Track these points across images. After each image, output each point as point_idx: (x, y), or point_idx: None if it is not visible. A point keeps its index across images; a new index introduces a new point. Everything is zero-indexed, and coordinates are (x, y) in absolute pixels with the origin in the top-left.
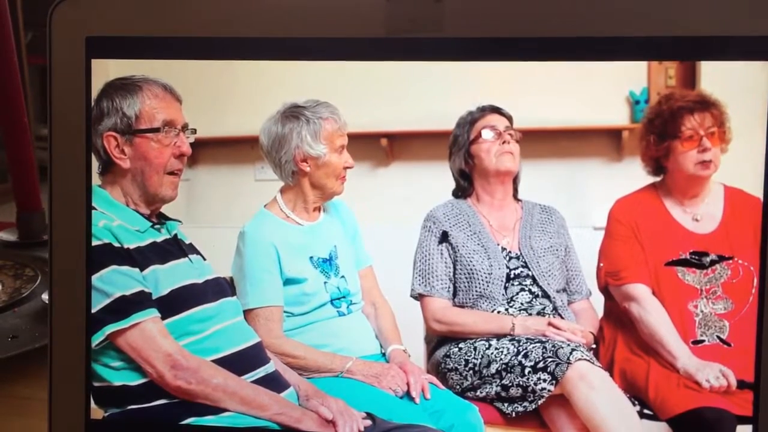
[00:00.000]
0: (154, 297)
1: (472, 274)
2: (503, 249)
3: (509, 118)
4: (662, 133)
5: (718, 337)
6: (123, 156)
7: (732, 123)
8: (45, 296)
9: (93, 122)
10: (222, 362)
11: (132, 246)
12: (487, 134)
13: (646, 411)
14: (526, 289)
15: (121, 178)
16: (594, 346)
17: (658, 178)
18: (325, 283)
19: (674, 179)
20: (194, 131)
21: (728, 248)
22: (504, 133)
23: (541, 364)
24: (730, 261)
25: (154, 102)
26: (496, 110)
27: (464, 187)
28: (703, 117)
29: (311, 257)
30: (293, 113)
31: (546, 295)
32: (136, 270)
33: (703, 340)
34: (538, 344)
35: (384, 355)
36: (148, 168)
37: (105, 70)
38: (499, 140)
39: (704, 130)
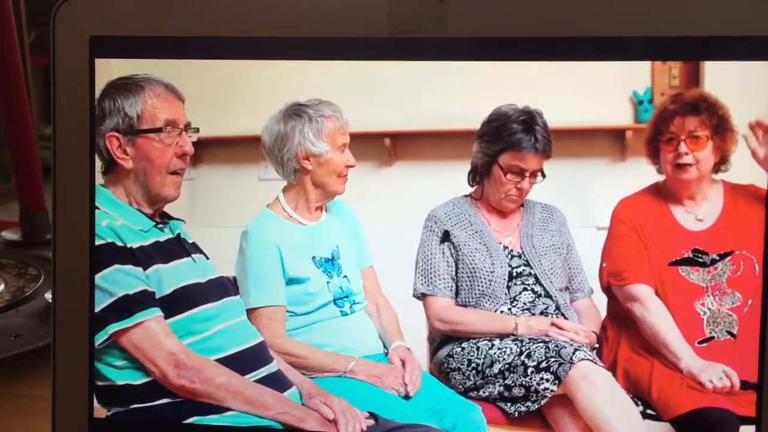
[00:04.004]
0: (157, 296)
1: (475, 273)
2: (505, 248)
3: (547, 157)
4: (651, 134)
5: (728, 331)
6: (125, 156)
7: (734, 126)
8: (48, 295)
9: (95, 122)
10: (225, 362)
11: (135, 245)
12: (511, 177)
13: (649, 411)
14: (529, 288)
15: (124, 178)
16: (597, 345)
17: (662, 178)
18: (327, 282)
19: (668, 180)
20: (197, 130)
21: (729, 242)
22: (527, 178)
23: (544, 364)
24: (731, 255)
25: (155, 102)
26: (541, 152)
27: (474, 179)
28: (684, 121)
29: (314, 257)
30: (296, 111)
31: (548, 295)
32: (139, 269)
33: (712, 337)
34: (541, 344)
35: (386, 354)
36: (151, 168)
37: (108, 70)
38: (518, 183)
39: (685, 134)
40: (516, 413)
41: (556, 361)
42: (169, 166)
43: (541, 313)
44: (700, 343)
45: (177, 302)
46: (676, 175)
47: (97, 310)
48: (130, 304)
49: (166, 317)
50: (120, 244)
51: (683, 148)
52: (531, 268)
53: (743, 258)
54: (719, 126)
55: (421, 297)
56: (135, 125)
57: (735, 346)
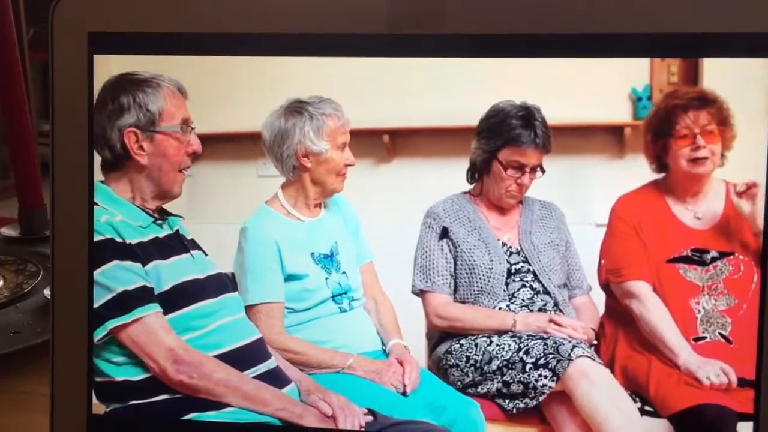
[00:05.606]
0: (156, 292)
1: (473, 269)
2: (504, 244)
3: (547, 152)
4: (658, 131)
5: (721, 333)
6: (142, 152)
7: (735, 119)
8: (47, 291)
9: (109, 117)
10: (223, 358)
11: (134, 241)
12: (512, 172)
13: (647, 408)
14: (527, 285)
15: (135, 174)
16: (595, 342)
17: (661, 175)
18: (326, 279)
19: (675, 177)
20: (193, 129)
21: (729, 244)
22: (527, 173)
23: (542, 361)
24: (731, 257)
25: (172, 100)
26: (541, 147)
27: (474, 176)
28: (698, 115)
29: (312, 253)
30: (296, 108)
31: (547, 292)
32: (138, 265)
33: (704, 337)
34: (540, 341)
35: (385, 352)
36: (166, 165)
37: (107, 66)
38: (518, 179)
39: (699, 128)
40: (514, 410)
41: (554, 357)
42: (181, 164)
43: (540, 310)
44: (696, 340)
45: (176, 298)
46: (692, 170)
47: (96, 306)
48: (129, 300)
49: (165, 313)
50: (119, 240)
51: (701, 141)
52: (530, 264)
53: (743, 262)
54: (724, 120)
55: (420, 293)
56: (156, 122)
57: (730, 347)
